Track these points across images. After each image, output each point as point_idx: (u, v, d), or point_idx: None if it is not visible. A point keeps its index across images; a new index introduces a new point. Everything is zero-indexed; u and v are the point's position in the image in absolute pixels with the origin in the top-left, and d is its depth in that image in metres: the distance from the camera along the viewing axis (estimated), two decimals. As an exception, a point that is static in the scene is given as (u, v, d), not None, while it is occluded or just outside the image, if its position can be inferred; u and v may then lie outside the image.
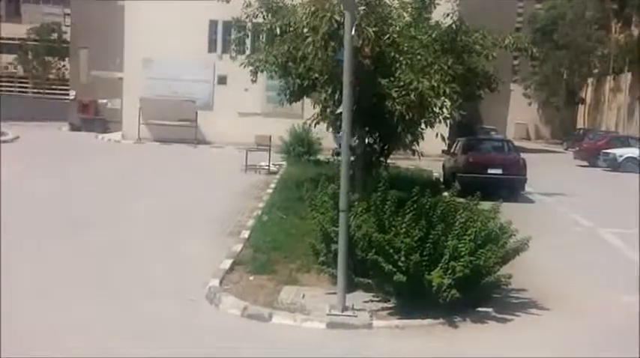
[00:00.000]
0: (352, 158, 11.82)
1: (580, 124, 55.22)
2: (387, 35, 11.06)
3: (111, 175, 18.51)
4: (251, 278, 8.99)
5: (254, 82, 13.41)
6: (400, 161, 20.70)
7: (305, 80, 12.44)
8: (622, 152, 29.44)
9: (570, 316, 7.97)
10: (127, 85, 30.90)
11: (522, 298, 8.53)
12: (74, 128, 35.57)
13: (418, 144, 12.29)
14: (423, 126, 12.23)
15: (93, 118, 35.57)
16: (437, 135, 11.67)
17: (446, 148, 20.65)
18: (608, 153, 29.67)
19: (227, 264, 9.43)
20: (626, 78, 47.87)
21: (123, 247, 10.33)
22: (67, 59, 45.45)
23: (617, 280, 9.75)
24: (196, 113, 29.71)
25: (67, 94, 39.75)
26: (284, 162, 22.12)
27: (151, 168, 20.51)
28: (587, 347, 7.02)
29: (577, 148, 34.53)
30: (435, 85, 10.64)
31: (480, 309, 7.83)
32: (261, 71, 12.96)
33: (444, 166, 21.11)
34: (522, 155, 19.64)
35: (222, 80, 29.82)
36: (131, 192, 15.48)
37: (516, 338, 7.27)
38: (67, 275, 8.62)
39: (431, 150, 18.55)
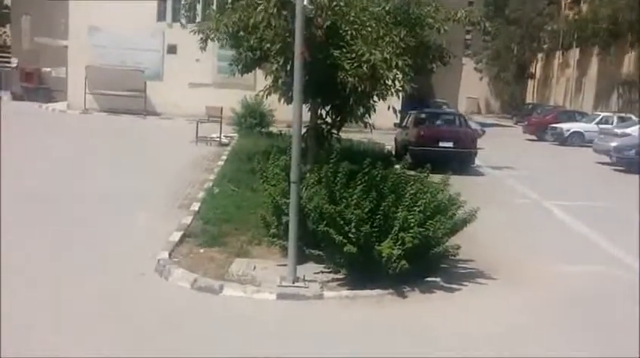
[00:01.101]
0: (304, 130, 11.79)
1: (529, 99, 56.27)
2: (339, 7, 10.96)
3: (55, 148, 18.04)
4: (201, 250, 8.91)
5: (204, 51, 13.14)
6: (353, 134, 20.69)
7: (257, 50, 12.26)
8: (569, 126, 30.14)
9: (515, 285, 8.15)
10: (72, 53, 30.04)
11: (470, 268, 8.67)
12: (16, 97, 34.50)
13: (370, 116, 12.26)
14: (375, 98, 12.22)
15: (36, 87, 34.54)
16: (389, 107, 11.68)
17: (398, 121, 20.79)
18: (555, 128, 30.34)
19: (177, 236, 9.32)
20: (575, 54, 48.80)
21: (71, 221, 10.10)
22: (8, 26, 43.87)
23: (561, 251, 10.01)
24: (145, 83, 29.16)
25: (9, 62, 38.45)
26: (236, 134, 21.94)
27: (98, 140, 20.09)
28: (531, 315, 7.20)
29: (526, 123, 35.22)
30: (387, 57, 10.60)
31: (428, 279, 7.93)
32: (212, 40, 12.71)
33: (396, 139, 21.26)
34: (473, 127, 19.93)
35: (171, 49, 29.31)
36: (78, 165, 15.14)
37: (463, 307, 7.40)
38: (13, 250, 8.38)
39: (384, 123, 18.62)
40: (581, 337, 6.60)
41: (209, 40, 12.77)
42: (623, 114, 31.85)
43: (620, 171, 20.70)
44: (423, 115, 20.98)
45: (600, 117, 31.24)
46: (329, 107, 12.41)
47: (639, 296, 7.68)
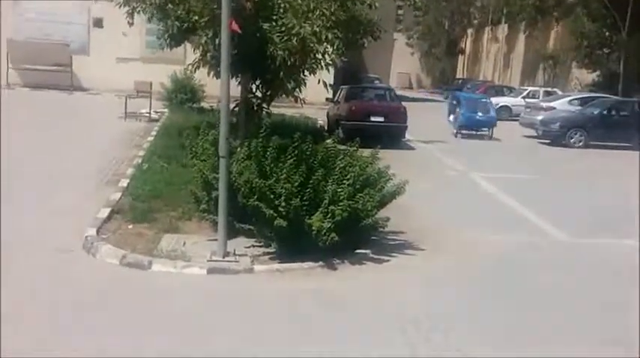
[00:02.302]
0: (233, 104, 11.69)
1: (460, 74, 57.31)
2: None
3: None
4: (130, 226, 8.77)
5: (131, 24, 12.82)
6: (285, 109, 20.67)
7: (185, 23, 12.02)
8: (497, 101, 30.81)
9: (442, 255, 8.36)
10: (-8, 25, 28.73)
11: (399, 240, 8.84)
12: None
13: (301, 91, 12.26)
14: (305, 72, 12.21)
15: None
16: (319, 81, 11.70)
17: (330, 96, 20.85)
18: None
19: (105, 213, 9.14)
20: (503, 29, 49.87)
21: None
22: None
23: (487, 221, 10.31)
24: (71, 57, 28.21)
25: None
26: (166, 110, 21.54)
27: (22, 116, 19.35)
28: (458, 283, 7.41)
29: (455, 97, 35.83)
30: (317, 30, 10.60)
31: (358, 251, 8.05)
32: (138, 12, 12.41)
33: (328, 114, 21.32)
34: (404, 103, 20.17)
35: (98, 23, 28.44)
36: (3, 141, 14.57)
37: (392, 277, 7.56)
38: None
39: (316, 98, 18.66)
40: (501, 304, 6.82)
41: (136, 13, 12.46)
42: (549, 89, 32.89)
43: (546, 144, 21.42)
44: (355, 90, 21.08)
45: (527, 91, 32.18)
46: (259, 81, 12.35)
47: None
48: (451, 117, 22.71)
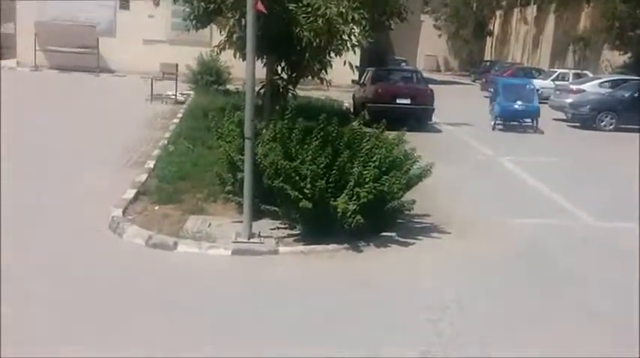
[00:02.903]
0: (259, 86, 11.65)
1: (487, 56, 56.60)
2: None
3: (7, 104, 17.51)
4: (156, 208, 8.80)
5: (157, 5, 12.82)
6: (311, 91, 20.61)
7: (210, 4, 11.98)
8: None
9: (470, 239, 8.27)
10: (20, 7, 28.92)
11: (425, 223, 8.76)
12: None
13: (327, 72, 12.17)
14: (331, 54, 12.11)
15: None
16: (344, 63, 11.59)
17: (356, 79, 20.69)
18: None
19: (131, 194, 9.18)
20: (532, 10, 49.07)
21: (23, 178, 9.86)
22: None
23: (514, 205, 10.18)
24: (97, 39, 28.34)
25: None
26: (191, 92, 21.57)
27: (50, 98, 19.57)
28: (484, 266, 7.33)
29: (484, 80, 35.42)
30: (343, 11, 10.50)
31: (383, 234, 7.99)
32: (164, -6, 12.40)
33: (354, 96, 21.18)
34: (431, 86, 19.96)
35: (124, 4, 28.49)
36: (31, 122, 14.73)
37: (417, 260, 7.50)
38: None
39: (342, 80, 18.51)
40: (526, 288, 6.74)
41: (162, -5, 12.45)
42: (578, 71, 32.30)
43: (575, 127, 21.07)
44: (381, 72, 20.89)
45: (556, 73, 31.63)
46: (284, 63, 12.27)
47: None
48: (491, 106, 20.44)
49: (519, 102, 19.04)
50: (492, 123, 19.13)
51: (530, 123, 19.12)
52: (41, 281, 6.19)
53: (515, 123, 19.32)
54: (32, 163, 10.94)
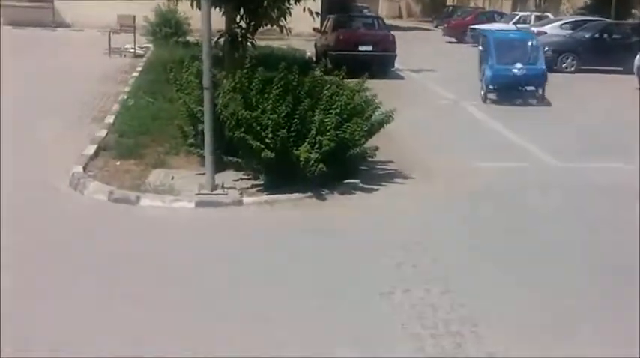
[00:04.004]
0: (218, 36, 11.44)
1: (450, 2, 56.18)
2: None
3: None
4: (117, 163, 8.70)
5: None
6: (273, 41, 20.33)
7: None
8: (487, 28, 30.38)
9: (433, 184, 8.34)
10: (-32, -40, 27.80)
11: (388, 169, 8.81)
12: None
13: (286, 20, 11.99)
14: (291, 1, 11.92)
15: None
16: (304, 9, 11.42)
17: (318, 26, 20.46)
18: (474, 29, 30.51)
19: (91, 149, 9.06)
20: (493, -46, 48.67)
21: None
22: None
23: (477, 149, 10.26)
24: (52, -7, 27.48)
25: None
26: (150, 45, 21.12)
27: (5, 54, 18.95)
28: (447, 210, 7.43)
29: (446, 25, 35.32)
30: (301, -45, 10.29)
31: (347, 181, 8.02)
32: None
33: (315, 45, 21.00)
34: (393, 33, 19.83)
35: (78, -44, 27.50)
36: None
37: (381, 206, 7.56)
38: None
39: (303, 28, 18.34)
40: (489, 228, 6.85)
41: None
42: (539, 14, 32.36)
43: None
44: (342, 19, 20.67)
45: (518, 17, 31.68)
46: (242, 11, 12.04)
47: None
48: (481, 70, 15.23)
49: (519, 65, 14.13)
50: (482, 93, 14.34)
51: (534, 92, 14.44)
52: (5, 239, 6.11)
53: (514, 91, 14.46)
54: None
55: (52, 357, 3.91)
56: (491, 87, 14.32)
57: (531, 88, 14.48)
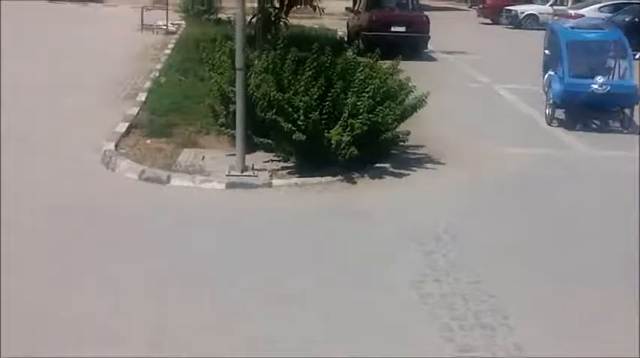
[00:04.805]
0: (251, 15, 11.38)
1: (485, -18, 55.18)
2: None
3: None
4: (148, 141, 8.74)
5: None
6: (305, 20, 20.20)
7: None
8: (523, 9, 29.86)
9: (464, 169, 8.24)
10: None
11: (419, 154, 8.72)
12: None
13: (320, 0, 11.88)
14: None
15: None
16: (337, -11, 11.29)
17: (350, 6, 20.28)
18: (510, 10, 30.04)
19: (123, 127, 9.11)
20: None
21: (13, 111, 9.74)
22: None
23: (510, 134, 10.11)
24: (87, -32, 27.59)
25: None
26: (183, 22, 21.15)
27: (40, 29, 19.14)
28: (477, 196, 7.34)
29: (480, 6, 34.71)
30: None
31: (377, 165, 7.96)
32: None
33: (348, 25, 20.79)
34: (427, 13, 19.55)
35: None
36: (18, 54, 14.45)
37: (411, 191, 7.50)
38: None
39: (336, 8, 18.19)
40: (519, 217, 6.75)
41: None
42: (577, -4, 31.64)
43: (572, 53, 20.74)
44: (375, -1, 20.40)
45: (555, -2, 30.99)
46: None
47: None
48: (544, 79, 11.42)
49: (600, 79, 10.19)
50: (547, 111, 10.77)
51: (618, 115, 10.68)
52: (36, 216, 6.19)
53: (591, 112, 10.79)
54: (23, 97, 10.78)
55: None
56: (558, 104, 10.63)
57: (616, 107, 10.72)
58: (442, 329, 4.54)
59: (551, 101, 10.74)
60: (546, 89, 11.10)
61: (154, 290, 4.92)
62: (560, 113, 10.80)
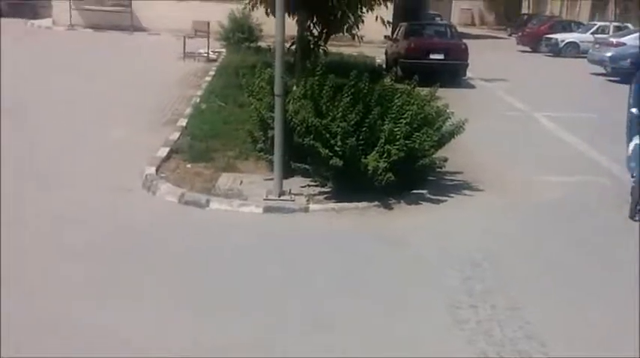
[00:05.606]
0: (290, 43, 11.55)
1: (524, 10, 55.10)
2: None
3: (44, 62, 17.73)
4: (188, 166, 8.89)
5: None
6: (344, 48, 20.42)
7: (241, -40, 11.87)
8: (564, 37, 29.70)
9: (502, 196, 8.18)
10: (55, -34, 29.02)
11: (457, 180, 8.69)
12: (1, 14, 33.50)
13: (358, 28, 12.01)
14: (363, 9, 11.93)
15: (20, 2, 33.48)
16: (376, 18, 11.42)
17: (389, 34, 20.42)
18: (550, 39, 29.90)
19: (164, 152, 9.28)
20: (571, -38, 47.47)
21: (57, 136, 10.04)
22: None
23: (549, 162, 10.02)
24: (130, -2, 28.37)
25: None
26: (223, 50, 21.53)
27: (85, 56, 19.71)
28: (517, 224, 7.27)
29: (520, 34, 34.63)
30: (375, -35, 10.30)
31: (414, 191, 7.95)
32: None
33: (386, 52, 20.93)
34: (465, 41, 19.57)
35: (156, -38, 28.31)
36: (65, 80, 14.89)
37: (449, 217, 7.45)
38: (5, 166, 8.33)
39: (374, 36, 18.29)
40: (559, 245, 6.67)
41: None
42: (619, 24, 31.31)
43: (615, 81, 20.51)
44: (414, 27, 20.52)
45: (596, 26, 30.72)
46: (315, 18, 12.13)
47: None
48: (630, 149, 7.76)
49: None
50: (632, 201, 7.53)
51: None
52: (78, 237, 6.33)
53: None
54: (68, 121, 11.10)
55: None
56: None
57: None
58: (479, 355, 4.50)
59: (636, 180, 7.40)
60: (632, 164, 7.65)
61: (187, 312, 4.98)
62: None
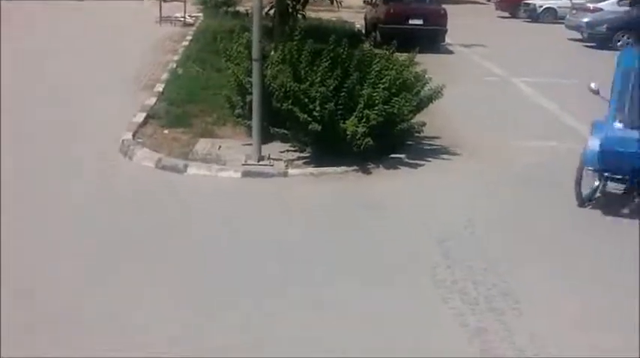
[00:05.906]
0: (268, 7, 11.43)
1: (503, -25, 54.79)
2: None
3: (17, 29, 17.35)
4: (165, 131, 8.84)
5: None
6: (323, 13, 20.25)
7: None
8: (541, 2, 29.60)
9: (477, 161, 8.25)
10: None
11: (435, 145, 8.75)
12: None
13: (337, -8, 11.91)
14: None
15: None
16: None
17: (368, -1, 20.25)
18: (528, 4, 29.81)
19: (140, 117, 9.22)
20: None
21: (33, 102, 9.90)
22: None
23: (525, 126, 10.09)
24: (105, -39, 27.75)
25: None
26: (200, 14, 21.24)
27: (61, 22, 19.32)
28: (493, 187, 7.35)
29: (499, -1, 34.50)
30: None
31: (393, 156, 8.00)
32: None
33: (365, 17, 20.77)
34: (445, 6, 19.48)
35: None
36: (38, 46, 14.62)
37: (426, 181, 7.52)
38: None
39: (353, 1, 18.16)
40: (534, 208, 6.76)
41: None
42: (597, -11, 31.30)
43: (591, 47, 20.61)
44: (393, -8, 20.33)
45: (574, -9, 30.70)
46: (294, -18, 12.01)
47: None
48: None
49: None
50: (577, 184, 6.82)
51: None
52: (54, 201, 6.30)
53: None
54: (42, 86, 10.93)
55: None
56: (592, 170, 6.76)
57: None
58: (454, 313, 4.60)
59: (582, 164, 6.74)
60: (583, 157, 6.81)
61: (167, 277, 5.00)
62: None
